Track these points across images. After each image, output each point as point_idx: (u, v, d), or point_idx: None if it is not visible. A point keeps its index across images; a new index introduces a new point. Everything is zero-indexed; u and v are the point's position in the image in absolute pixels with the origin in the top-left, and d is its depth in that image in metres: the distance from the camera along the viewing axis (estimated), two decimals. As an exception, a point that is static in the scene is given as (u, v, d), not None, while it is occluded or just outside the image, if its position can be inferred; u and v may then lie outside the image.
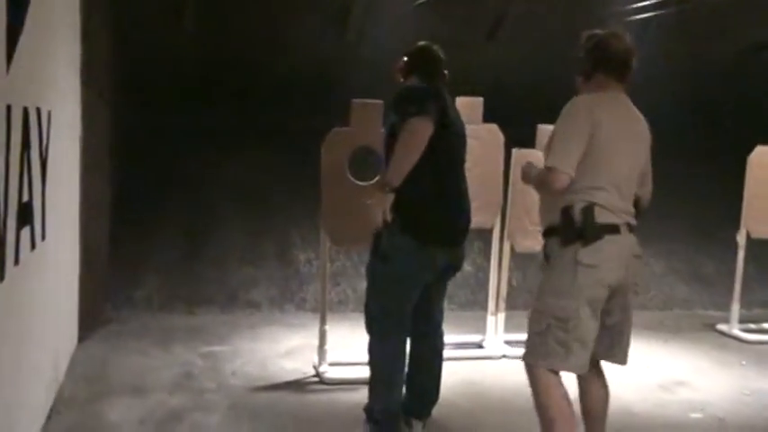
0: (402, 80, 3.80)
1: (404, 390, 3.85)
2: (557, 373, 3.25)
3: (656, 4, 6.99)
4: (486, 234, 5.57)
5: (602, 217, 3.17)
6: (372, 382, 3.77)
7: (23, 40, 2.90)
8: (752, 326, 6.25)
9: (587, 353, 3.22)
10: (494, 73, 7.41)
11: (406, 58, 3.80)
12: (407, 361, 3.85)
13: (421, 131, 3.41)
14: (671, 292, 7.17)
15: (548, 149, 3.29)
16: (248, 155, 7.70)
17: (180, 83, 7.38)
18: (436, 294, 3.83)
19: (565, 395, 3.25)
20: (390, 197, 3.46)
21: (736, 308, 6.10)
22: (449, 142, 3.58)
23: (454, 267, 3.79)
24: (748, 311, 6.58)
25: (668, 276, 7.36)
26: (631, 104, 3.38)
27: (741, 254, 6.00)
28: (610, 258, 3.18)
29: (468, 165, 3.88)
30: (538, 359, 3.25)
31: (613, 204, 3.21)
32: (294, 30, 7.38)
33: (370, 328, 3.74)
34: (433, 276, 3.70)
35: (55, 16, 3.89)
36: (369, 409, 3.78)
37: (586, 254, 3.15)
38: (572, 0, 7.05)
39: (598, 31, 3.37)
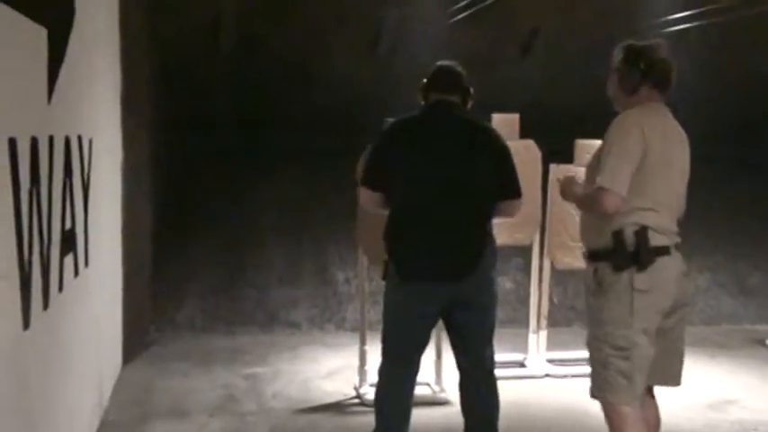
0: (422, 102, 3.65)
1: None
2: (632, 406, 3.12)
3: (694, 14, 6.89)
4: (525, 250, 5.52)
5: (654, 240, 3.06)
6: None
7: (64, 71, 2.96)
8: (802, 341, 6.10)
9: (644, 381, 3.13)
10: (530, 88, 7.37)
11: (424, 81, 3.66)
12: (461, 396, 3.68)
13: (363, 200, 3.62)
14: (717, 306, 7.03)
15: (596, 168, 3.14)
16: (285, 175, 7.73)
17: (218, 106, 7.46)
18: (466, 327, 3.54)
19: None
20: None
21: (785, 322, 5.97)
22: (411, 178, 3.43)
23: (466, 302, 3.47)
24: (798, 326, 6.43)
25: (713, 290, 7.22)
26: (673, 118, 3.27)
27: (789, 267, 5.87)
28: (664, 282, 3.07)
29: None
30: (603, 393, 3.13)
31: (664, 225, 3.10)
32: (328, 49, 7.42)
33: None
34: (433, 309, 3.48)
35: (95, 45, 3.95)
36: None
37: (642, 279, 3.04)
38: (606, 12, 6.99)
39: (633, 42, 3.25)
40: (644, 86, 3.18)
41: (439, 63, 3.70)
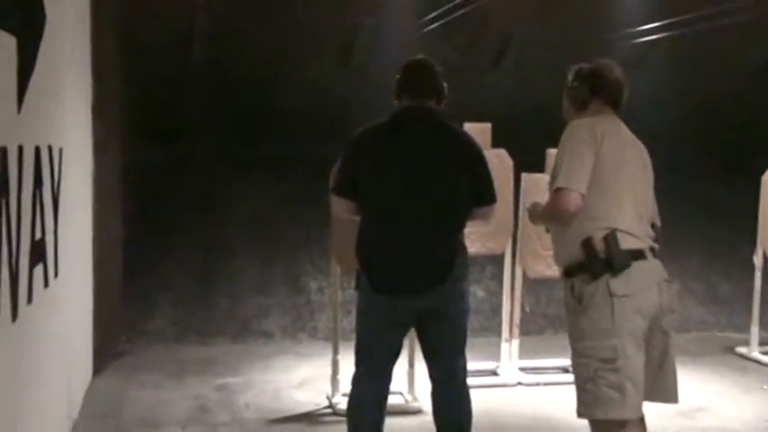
0: (397, 102, 3.55)
1: None
2: (622, 426, 3.05)
3: (661, 26, 6.99)
4: (498, 259, 5.54)
5: (625, 242, 3.02)
6: None
7: (34, 81, 2.92)
8: (772, 348, 6.17)
9: (640, 392, 3.04)
10: (502, 97, 7.44)
11: (397, 77, 3.55)
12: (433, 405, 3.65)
13: (334, 208, 3.59)
14: (688, 314, 7.08)
15: (553, 175, 3.17)
16: (258, 184, 7.72)
17: (190, 114, 7.43)
18: (438, 337, 3.50)
19: None
20: None
21: (755, 330, 6.02)
22: (380, 187, 3.38)
23: (438, 313, 3.42)
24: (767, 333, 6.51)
25: (684, 297, 7.28)
26: (626, 127, 3.29)
27: (758, 275, 5.94)
28: (643, 285, 3.03)
29: None
30: (594, 409, 3.03)
31: (634, 227, 3.07)
32: (302, 57, 7.42)
33: None
34: (405, 319, 3.45)
35: (66, 53, 3.92)
36: None
37: (618, 284, 2.99)
38: (577, 22, 7.07)
39: (585, 65, 3.33)
40: (594, 102, 3.25)
41: (413, 60, 3.58)
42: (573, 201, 3.02)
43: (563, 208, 3.05)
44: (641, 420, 3.17)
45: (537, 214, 3.38)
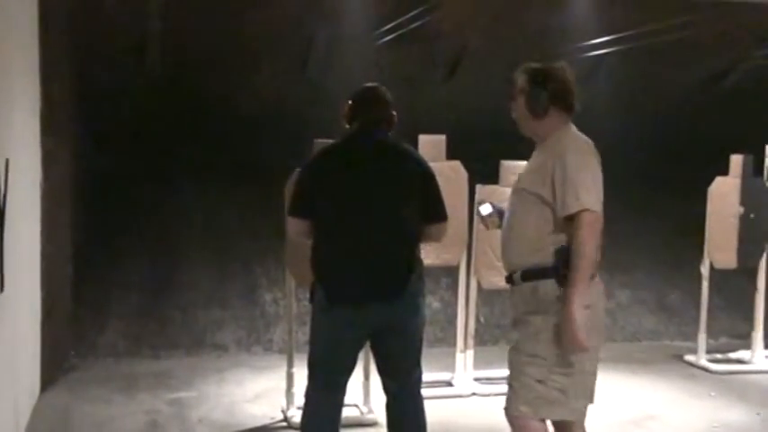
0: (347, 126, 3.61)
1: None
2: (543, 422, 3.11)
3: (611, 40, 7.12)
4: (453, 270, 5.57)
5: None
6: None
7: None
8: (718, 356, 6.28)
9: (588, 400, 3.13)
10: (456, 109, 7.47)
11: (349, 102, 3.62)
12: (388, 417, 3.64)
13: (290, 230, 3.58)
14: (639, 324, 7.21)
15: (566, 188, 2.99)
16: (212, 195, 7.65)
17: (142, 125, 7.34)
18: (394, 351, 3.52)
19: None
20: None
21: (702, 338, 6.13)
22: (336, 206, 3.40)
23: (393, 327, 3.44)
24: (715, 341, 6.64)
25: (635, 307, 7.41)
26: None
27: (705, 284, 6.05)
28: (594, 301, 3.04)
29: None
30: (538, 408, 3.06)
31: None
32: (257, 69, 7.39)
33: None
34: (361, 333, 3.47)
35: (13, 61, 3.85)
36: None
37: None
38: (527, 37, 7.14)
39: (536, 65, 3.17)
40: (553, 108, 3.10)
41: (366, 87, 3.66)
42: (601, 221, 2.99)
43: (596, 230, 2.97)
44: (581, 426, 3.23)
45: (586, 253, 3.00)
